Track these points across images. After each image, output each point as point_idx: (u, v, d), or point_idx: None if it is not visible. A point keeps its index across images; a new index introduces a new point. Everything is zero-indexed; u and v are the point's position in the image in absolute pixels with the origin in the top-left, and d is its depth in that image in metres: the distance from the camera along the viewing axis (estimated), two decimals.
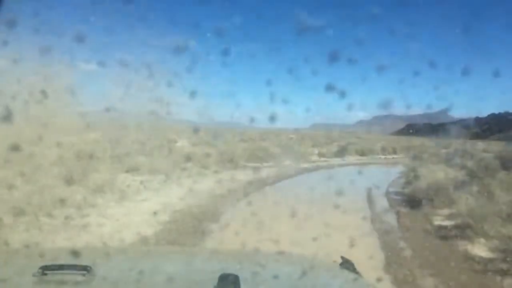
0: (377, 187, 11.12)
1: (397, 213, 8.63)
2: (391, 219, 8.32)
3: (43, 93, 7.30)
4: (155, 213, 7.01)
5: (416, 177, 11.28)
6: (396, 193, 11.65)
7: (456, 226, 6.85)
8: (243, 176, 12.83)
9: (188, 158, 14.05)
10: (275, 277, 1.44)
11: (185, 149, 17.02)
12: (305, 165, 18.65)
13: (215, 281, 1.17)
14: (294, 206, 6.86)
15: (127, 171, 10.92)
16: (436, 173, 10.63)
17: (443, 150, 24.08)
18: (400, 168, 16.65)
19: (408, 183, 12.27)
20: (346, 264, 1.57)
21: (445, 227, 7.05)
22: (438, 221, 7.54)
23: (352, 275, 1.51)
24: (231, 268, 1.31)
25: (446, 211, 7.89)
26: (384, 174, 17.00)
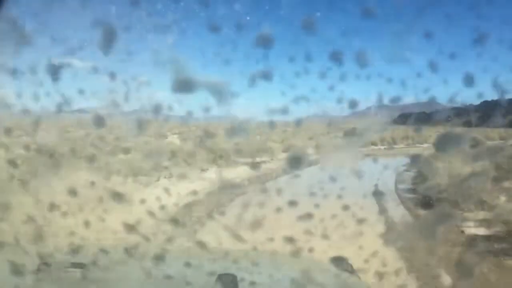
0: (385, 184, 9.94)
1: (417, 220, 7.25)
2: (411, 228, 6.95)
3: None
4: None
5: (429, 171, 10.14)
6: (409, 191, 10.33)
7: (497, 237, 5.53)
8: (231, 175, 11.63)
9: (174, 155, 12.93)
10: (272, 277, 1.51)
11: (173, 145, 15.92)
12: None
13: (213, 281, 1.25)
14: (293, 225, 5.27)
15: (98, 172, 9.70)
16: (451, 166, 9.43)
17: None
18: (405, 160, 15.65)
19: (420, 178, 10.97)
20: (344, 264, 1.63)
21: (483, 239, 5.70)
22: (472, 230, 6.16)
23: (349, 275, 1.58)
24: (229, 268, 1.38)
25: (479, 216, 6.55)
26: (389, 167, 15.97)
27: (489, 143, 14.26)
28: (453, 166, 8.83)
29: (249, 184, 10.31)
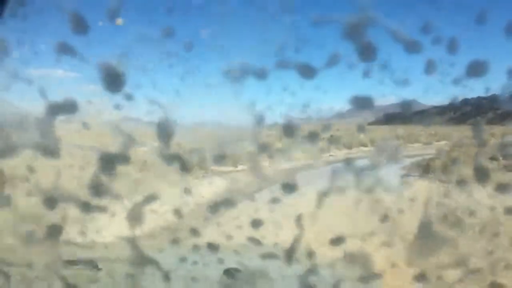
0: (389, 192, 8.79)
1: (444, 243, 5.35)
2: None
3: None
4: None
5: (438, 175, 8.97)
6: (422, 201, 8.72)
7: None
8: (205, 188, 10.33)
9: (141, 167, 11.89)
10: (276, 271, 1.72)
11: (144, 155, 14.97)
12: (288, 166, 16.84)
13: (219, 275, 1.12)
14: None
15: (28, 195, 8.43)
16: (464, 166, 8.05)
17: (432, 138, 23.14)
18: (403, 162, 14.65)
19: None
20: (346, 258, 1.80)
21: None
22: None
23: (350, 269, 1.78)
24: (235, 263, 1.42)
25: None
26: (388, 171, 14.82)
27: (495, 140, 13.27)
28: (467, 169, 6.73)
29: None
